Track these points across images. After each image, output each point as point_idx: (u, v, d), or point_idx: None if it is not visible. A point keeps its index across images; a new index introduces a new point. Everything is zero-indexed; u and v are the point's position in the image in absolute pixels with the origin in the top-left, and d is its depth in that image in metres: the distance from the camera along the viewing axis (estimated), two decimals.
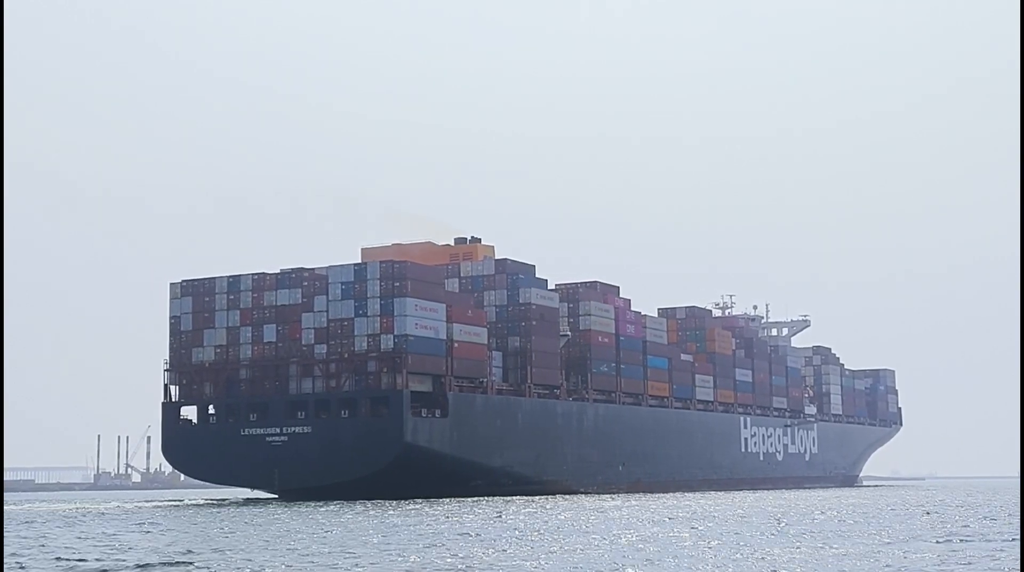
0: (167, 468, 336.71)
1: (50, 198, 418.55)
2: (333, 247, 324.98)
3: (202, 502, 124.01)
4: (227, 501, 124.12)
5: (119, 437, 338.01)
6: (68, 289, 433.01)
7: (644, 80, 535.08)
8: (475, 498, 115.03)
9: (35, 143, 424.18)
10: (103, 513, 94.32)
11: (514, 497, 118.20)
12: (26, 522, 79.19)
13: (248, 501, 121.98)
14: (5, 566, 43.82)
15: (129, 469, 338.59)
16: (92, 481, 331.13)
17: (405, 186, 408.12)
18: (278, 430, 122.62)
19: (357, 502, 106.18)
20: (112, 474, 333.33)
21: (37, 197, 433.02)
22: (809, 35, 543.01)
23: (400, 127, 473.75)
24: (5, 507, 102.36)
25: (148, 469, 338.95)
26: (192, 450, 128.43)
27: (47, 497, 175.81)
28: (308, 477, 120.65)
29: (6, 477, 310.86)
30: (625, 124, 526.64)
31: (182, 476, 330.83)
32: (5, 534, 62.86)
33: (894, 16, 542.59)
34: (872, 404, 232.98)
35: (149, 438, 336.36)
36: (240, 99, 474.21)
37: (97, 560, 46.37)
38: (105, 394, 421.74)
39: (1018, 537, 52.54)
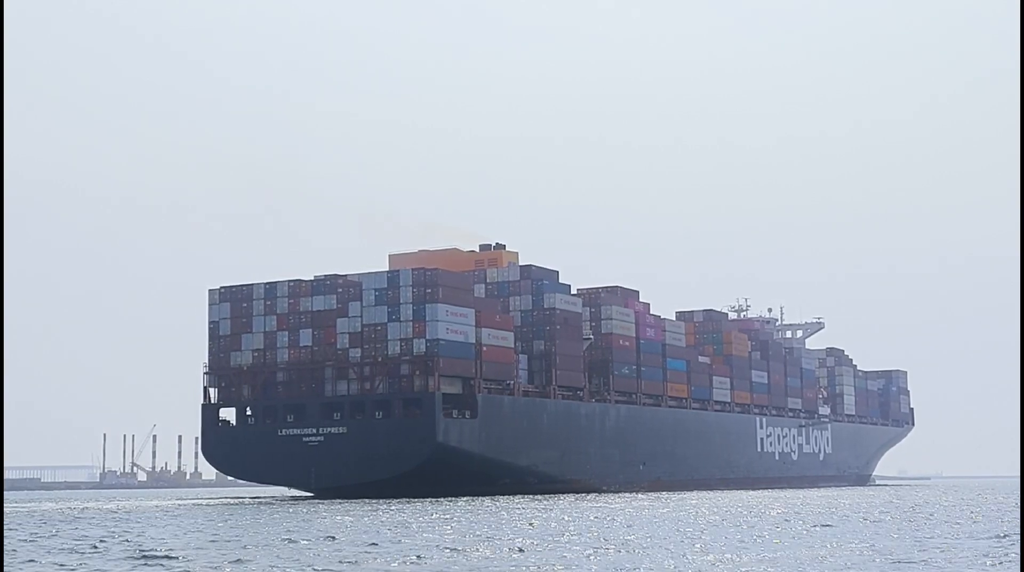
0: (172, 467, 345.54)
1: (85, 206, 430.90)
2: (360, 254, 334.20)
3: (249, 500, 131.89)
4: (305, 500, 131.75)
5: (125, 436, 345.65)
6: (83, 288, 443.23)
7: (655, 84, 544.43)
8: (505, 496, 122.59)
9: (76, 154, 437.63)
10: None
11: (564, 496, 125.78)
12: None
13: (295, 499, 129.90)
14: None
15: (135, 468, 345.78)
16: (98, 480, 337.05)
17: (427, 193, 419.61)
18: (314, 431, 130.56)
19: (395, 500, 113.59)
20: (118, 473, 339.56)
21: (76, 205, 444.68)
22: (821, 36, 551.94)
23: (422, 134, 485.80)
24: (78, 504, 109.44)
25: (154, 468, 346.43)
26: (231, 450, 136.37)
27: (73, 496, 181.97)
28: (344, 476, 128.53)
29: (13, 476, 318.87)
30: (639, 129, 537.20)
31: (187, 475, 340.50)
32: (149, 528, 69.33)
33: (905, 18, 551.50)
34: (885, 404, 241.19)
35: (155, 437, 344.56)
36: (263, 107, 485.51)
37: None
38: (110, 393, 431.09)
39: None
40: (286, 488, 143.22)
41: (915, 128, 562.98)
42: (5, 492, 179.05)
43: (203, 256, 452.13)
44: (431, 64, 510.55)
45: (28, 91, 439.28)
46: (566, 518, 74.48)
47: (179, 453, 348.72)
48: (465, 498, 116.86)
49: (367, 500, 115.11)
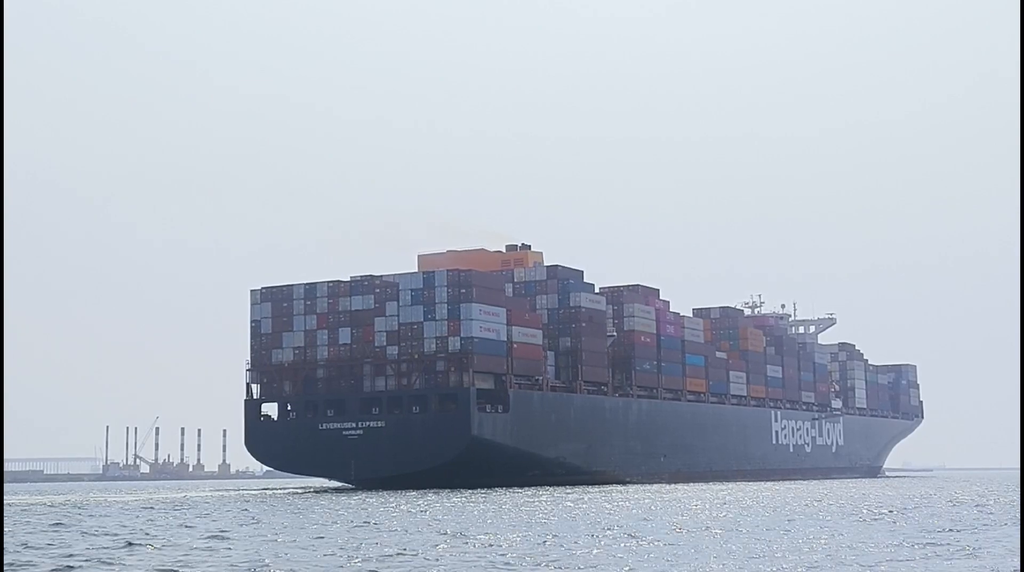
0: (175, 459, 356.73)
1: (86, 202, 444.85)
2: (389, 254, 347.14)
3: (299, 491, 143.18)
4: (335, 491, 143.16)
5: (127, 428, 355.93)
6: (87, 282, 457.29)
7: (670, 84, 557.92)
8: (537, 487, 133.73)
9: (91, 152, 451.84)
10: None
11: (608, 487, 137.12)
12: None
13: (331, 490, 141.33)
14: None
15: (138, 460, 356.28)
16: (101, 472, 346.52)
17: (452, 194, 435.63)
18: (354, 425, 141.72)
19: (431, 491, 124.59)
20: (121, 465, 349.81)
21: (78, 201, 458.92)
22: (827, 29, 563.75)
23: (446, 137, 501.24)
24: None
25: (156, 460, 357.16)
26: (273, 444, 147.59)
27: (62, 488, 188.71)
28: (382, 468, 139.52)
29: (15, 468, 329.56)
30: (654, 128, 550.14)
31: (190, 467, 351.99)
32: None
33: (913, 11, 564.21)
34: (895, 398, 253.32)
35: (158, 429, 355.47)
36: (287, 112, 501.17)
37: None
38: (113, 385, 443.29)
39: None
40: (326, 479, 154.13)
41: (924, 123, 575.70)
42: (7, 484, 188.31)
43: (202, 254, 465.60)
44: (453, 66, 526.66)
45: (65, 100, 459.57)
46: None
47: (182, 445, 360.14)
48: (518, 488, 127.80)
49: (407, 490, 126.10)
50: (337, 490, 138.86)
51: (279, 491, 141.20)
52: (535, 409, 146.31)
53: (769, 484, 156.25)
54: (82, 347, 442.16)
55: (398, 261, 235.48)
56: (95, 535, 60.36)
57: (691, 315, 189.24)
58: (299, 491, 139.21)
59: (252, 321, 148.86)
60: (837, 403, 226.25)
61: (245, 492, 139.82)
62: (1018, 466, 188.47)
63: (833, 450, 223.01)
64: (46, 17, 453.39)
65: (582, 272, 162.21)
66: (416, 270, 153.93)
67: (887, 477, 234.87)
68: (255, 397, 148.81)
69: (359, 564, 43.42)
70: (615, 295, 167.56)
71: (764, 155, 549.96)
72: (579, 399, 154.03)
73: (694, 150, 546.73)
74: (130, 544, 52.83)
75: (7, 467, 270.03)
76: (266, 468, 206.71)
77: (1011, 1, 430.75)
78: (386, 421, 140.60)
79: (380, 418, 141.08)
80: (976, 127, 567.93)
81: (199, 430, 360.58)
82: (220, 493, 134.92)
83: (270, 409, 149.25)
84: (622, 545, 49.69)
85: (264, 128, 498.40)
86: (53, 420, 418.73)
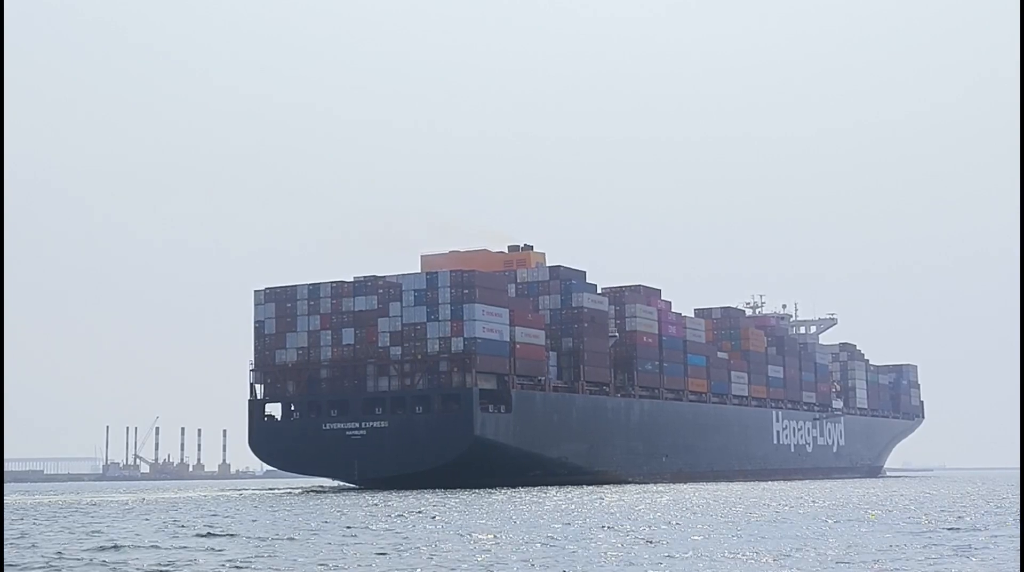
0: (175, 459, 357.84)
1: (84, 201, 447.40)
2: (391, 255, 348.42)
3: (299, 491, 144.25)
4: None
5: (127, 428, 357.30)
6: (89, 281, 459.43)
7: (672, 84, 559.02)
8: (539, 487, 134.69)
9: (93, 153, 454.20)
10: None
11: (607, 487, 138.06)
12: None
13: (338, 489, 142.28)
14: None
15: (138, 460, 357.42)
16: (101, 472, 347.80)
17: (454, 194, 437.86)
18: (357, 425, 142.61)
19: (434, 491, 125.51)
20: (121, 465, 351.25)
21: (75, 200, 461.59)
22: (829, 28, 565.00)
23: (447, 138, 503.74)
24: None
25: (156, 460, 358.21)
26: (277, 444, 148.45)
27: (82, 488, 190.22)
28: (386, 468, 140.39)
29: (16, 468, 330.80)
30: (656, 128, 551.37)
31: (190, 467, 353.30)
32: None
33: (913, 11, 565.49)
34: (896, 398, 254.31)
35: (158, 429, 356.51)
36: (290, 114, 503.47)
37: None
38: (114, 384, 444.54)
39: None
40: (329, 479, 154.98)
41: (924, 123, 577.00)
42: (7, 484, 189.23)
43: (202, 254, 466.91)
44: (453, 66, 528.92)
45: (65, 100, 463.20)
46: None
47: (182, 445, 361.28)
48: (520, 488, 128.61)
49: (410, 490, 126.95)
50: (340, 490, 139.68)
51: (279, 491, 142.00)
52: (537, 409, 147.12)
53: (770, 484, 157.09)
54: (82, 347, 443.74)
55: (400, 261, 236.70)
56: (88, 534, 61.03)
57: (693, 315, 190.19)
58: (299, 491, 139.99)
59: (256, 321, 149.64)
60: (838, 403, 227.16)
61: (244, 492, 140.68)
62: (1018, 466, 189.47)
63: (834, 450, 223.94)
64: (46, 17, 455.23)
65: (584, 272, 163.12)
66: (419, 270, 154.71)
67: (888, 477, 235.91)
68: (259, 397, 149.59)
69: (356, 563, 44.10)
70: (617, 295, 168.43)
71: (764, 155, 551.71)
72: (581, 399, 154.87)
73: (694, 150, 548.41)
74: (118, 546, 52.87)
75: (7, 467, 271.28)
76: (267, 468, 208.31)
77: (1011, 1, 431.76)
78: (389, 421, 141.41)
79: (383, 418, 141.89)
80: (976, 127, 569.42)
81: (199, 430, 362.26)
82: (219, 493, 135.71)
83: (274, 409, 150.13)
84: (622, 545, 50.51)
85: (264, 128, 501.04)
86: (53, 420, 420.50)
